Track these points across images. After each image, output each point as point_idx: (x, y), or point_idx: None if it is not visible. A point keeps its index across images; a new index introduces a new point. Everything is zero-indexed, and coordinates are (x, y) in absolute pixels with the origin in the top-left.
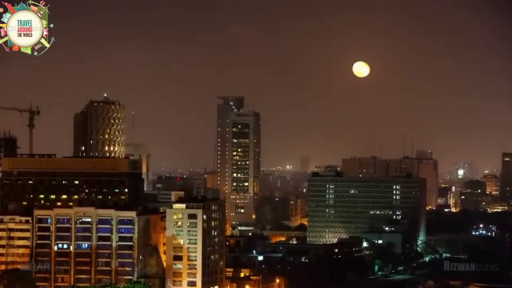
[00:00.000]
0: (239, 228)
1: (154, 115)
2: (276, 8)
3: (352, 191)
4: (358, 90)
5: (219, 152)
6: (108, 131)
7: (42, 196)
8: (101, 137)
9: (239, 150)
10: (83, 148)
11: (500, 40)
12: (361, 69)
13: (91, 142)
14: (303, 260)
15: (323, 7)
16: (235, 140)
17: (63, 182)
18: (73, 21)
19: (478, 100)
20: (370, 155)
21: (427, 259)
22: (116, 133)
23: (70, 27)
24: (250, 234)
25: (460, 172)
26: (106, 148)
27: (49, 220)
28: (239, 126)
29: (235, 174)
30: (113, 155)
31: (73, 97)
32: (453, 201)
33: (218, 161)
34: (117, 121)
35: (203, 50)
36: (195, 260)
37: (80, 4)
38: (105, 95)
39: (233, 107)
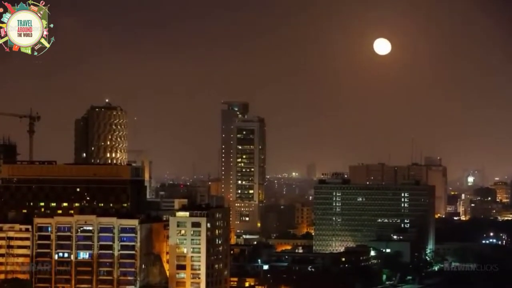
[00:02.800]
0: (244, 236)
1: (157, 121)
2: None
3: (360, 199)
4: (364, 96)
5: (223, 159)
6: (109, 137)
7: (42, 203)
8: (102, 143)
9: (244, 156)
10: (84, 154)
11: None
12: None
13: (93, 148)
14: (309, 269)
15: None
16: (240, 147)
17: (64, 189)
18: (74, 25)
19: (489, 105)
20: (377, 162)
21: (436, 268)
22: (118, 139)
23: (70, 30)
24: (255, 242)
25: (470, 179)
26: (108, 155)
27: (49, 229)
28: (244, 132)
29: (239, 181)
30: (115, 162)
31: (74, 103)
32: (463, 209)
33: (223, 168)
34: (119, 127)
35: (207, 53)
36: (199, 269)
37: (81, 7)
38: (106, 100)
39: (238, 112)
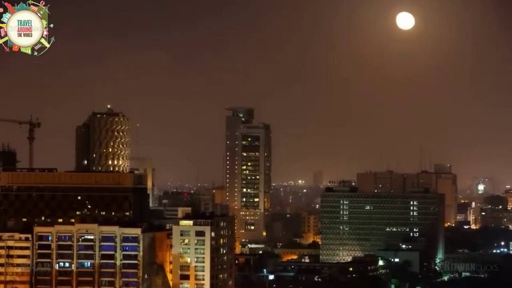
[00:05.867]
0: (249, 245)
1: (160, 128)
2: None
3: (367, 207)
4: (372, 101)
5: (228, 166)
6: (111, 144)
7: (42, 212)
8: (104, 150)
9: (249, 164)
10: (85, 162)
11: None
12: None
13: (94, 155)
14: (316, 279)
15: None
16: (245, 154)
17: (65, 197)
18: (76, 28)
19: (500, 111)
20: (386, 170)
21: (446, 278)
22: (120, 146)
23: (72, 34)
24: (261, 252)
25: (481, 187)
26: (110, 162)
27: (50, 238)
28: (249, 139)
29: (244, 189)
30: (117, 169)
31: (75, 109)
32: (473, 217)
33: (227, 176)
34: (121, 133)
35: (210, 58)
36: (203, 280)
37: (84, 10)
38: (108, 106)
39: (243, 118)
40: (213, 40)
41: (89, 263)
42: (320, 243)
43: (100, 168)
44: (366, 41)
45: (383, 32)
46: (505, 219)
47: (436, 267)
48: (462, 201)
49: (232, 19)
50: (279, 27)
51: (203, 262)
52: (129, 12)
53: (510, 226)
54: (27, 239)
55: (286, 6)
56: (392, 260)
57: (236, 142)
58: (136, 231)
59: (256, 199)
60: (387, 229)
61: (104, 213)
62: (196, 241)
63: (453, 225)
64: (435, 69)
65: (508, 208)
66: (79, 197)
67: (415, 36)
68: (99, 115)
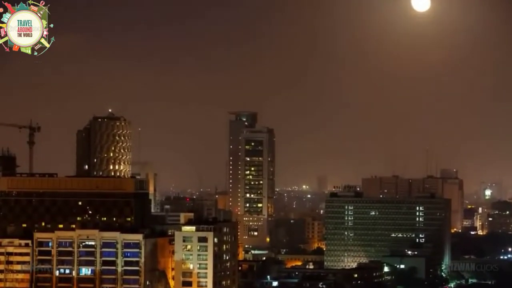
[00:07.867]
0: (253, 252)
1: (162, 132)
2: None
3: (373, 213)
4: (377, 105)
5: (231, 171)
6: (113, 148)
7: (42, 217)
8: (105, 155)
9: (252, 169)
10: (86, 167)
11: None
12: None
13: (95, 160)
14: (320, 286)
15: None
16: (248, 158)
17: (65, 203)
18: (77, 31)
19: (507, 114)
20: (391, 175)
21: (452, 284)
22: (122, 151)
23: (72, 37)
24: (264, 258)
25: (487, 193)
26: (111, 167)
27: (50, 244)
28: (252, 144)
29: (248, 195)
30: (118, 174)
31: (76, 113)
32: (480, 223)
33: (230, 181)
34: (122, 138)
35: (213, 61)
36: (206, 286)
37: (85, 13)
38: (110, 110)
39: (246, 123)
40: (216, 43)
41: (89, 270)
42: (324, 249)
43: (101, 173)
44: (370, 39)
45: (393, 21)
46: None
47: (443, 273)
48: (469, 207)
49: (235, 22)
50: (282, 28)
51: (206, 268)
52: (129, 14)
53: None
54: (27, 245)
55: (287, 3)
56: (398, 266)
57: (239, 147)
58: (138, 237)
59: (260, 205)
60: (393, 235)
61: (105, 218)
62: (198, 247)
63: (460, 231)
64: (444, 66)
65: None
66: (79, 203)
67: (430, 20)
68: (100, 119)
